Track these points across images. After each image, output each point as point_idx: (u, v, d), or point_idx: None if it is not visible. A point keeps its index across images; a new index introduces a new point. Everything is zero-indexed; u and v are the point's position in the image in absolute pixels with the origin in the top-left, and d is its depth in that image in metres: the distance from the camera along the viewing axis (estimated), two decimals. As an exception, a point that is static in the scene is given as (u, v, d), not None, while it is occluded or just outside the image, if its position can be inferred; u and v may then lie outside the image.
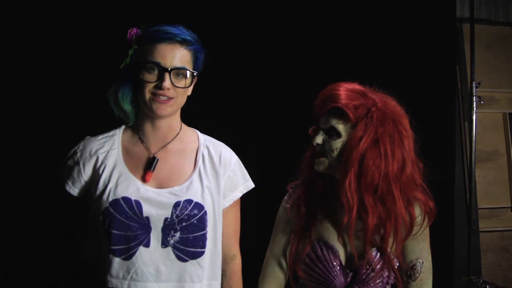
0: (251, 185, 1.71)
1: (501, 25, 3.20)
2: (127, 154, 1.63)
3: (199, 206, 1.58)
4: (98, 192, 1.57)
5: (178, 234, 1.56)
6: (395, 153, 1.48)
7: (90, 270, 1.65)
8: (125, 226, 1.53)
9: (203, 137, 1.71)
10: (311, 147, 1.60)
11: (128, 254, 1.52)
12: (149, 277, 1.53)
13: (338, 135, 1.51)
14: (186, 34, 1.56)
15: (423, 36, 2.64)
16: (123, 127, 1.68)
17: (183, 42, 1.56)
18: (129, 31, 1.59)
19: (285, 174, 1.73)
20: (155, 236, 1.55)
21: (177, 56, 1.55)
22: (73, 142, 1.66)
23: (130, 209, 1.54)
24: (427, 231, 1.59)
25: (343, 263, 1.56)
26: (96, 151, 1.62)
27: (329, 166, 1.54)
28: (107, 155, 1.61)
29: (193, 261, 1.57)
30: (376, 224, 1.49)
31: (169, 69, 1.54)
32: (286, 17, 2.54)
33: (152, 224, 1.55)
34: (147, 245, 1.54)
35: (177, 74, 1.56)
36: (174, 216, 1.55)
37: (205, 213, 1.58)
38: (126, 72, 1.59)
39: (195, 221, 1.57)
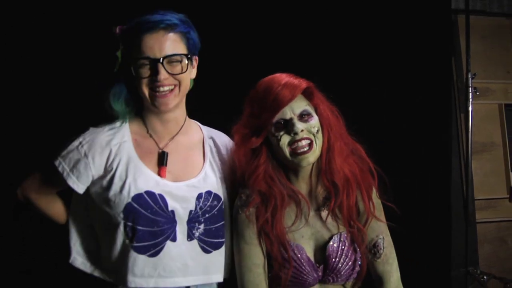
0: None
1: (495, 16, 3.20)
2: (139, 147, 1.55)
3: (218, 197, 1.57)
4: (114, 187, 1.47)
5: (202, 226, 1.53)
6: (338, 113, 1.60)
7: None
8: (151, 222, 1.46)
9: (205, 128, 1.70)
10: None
11: (155, 251, 1.46)
12: (176, 272, 1.48)
13: (312, 115, 1.52)
14: (168, 18, 1.48)
15: (418, 28, 2.62)
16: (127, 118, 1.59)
17: (168, 27, 1.47)
18: (115, 29, 1.52)
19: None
20: (181, 230, 1.50)
21: (165, 43, 1.47)
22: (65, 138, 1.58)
23: (155, 203, 1.47)
24: (380, 207, 1.59)
25: (312, 258, 1.53)
26: (108, 143, 1.51)
27: (316, 151, 1.51)
28: (120, 147, 1.52)
29: (216, 252, 1.55)
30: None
31: (160, 59, 1.46)
32: (279, 14, 2.50)
33: (177, 218, 1.50)
34: (174, 239, 1.49)
35: (171, 62, 1.49)
36: (198, 208, 1.53)
37: (223, 203, 1.57)
38: (118, 72, 1.53)
39: (216, 212, 1.55)
